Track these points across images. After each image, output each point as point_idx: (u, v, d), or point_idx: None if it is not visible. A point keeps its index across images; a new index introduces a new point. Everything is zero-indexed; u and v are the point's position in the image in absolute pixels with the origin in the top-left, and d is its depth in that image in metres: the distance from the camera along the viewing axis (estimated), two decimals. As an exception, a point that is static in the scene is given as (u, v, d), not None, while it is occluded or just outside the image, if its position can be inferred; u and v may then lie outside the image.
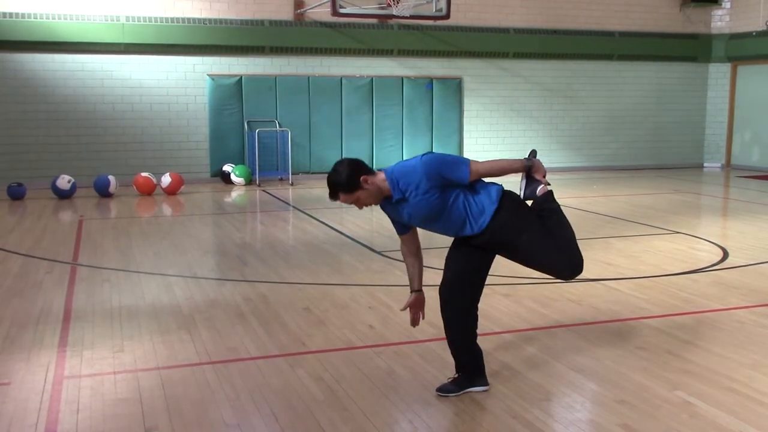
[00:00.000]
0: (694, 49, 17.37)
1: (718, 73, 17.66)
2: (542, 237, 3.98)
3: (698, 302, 5.97)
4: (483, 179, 3.98)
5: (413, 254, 4.21)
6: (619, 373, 4.43)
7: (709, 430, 3.68)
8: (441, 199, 3.86)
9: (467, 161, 3.89)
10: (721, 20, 17.44)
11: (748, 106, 17.19)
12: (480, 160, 3.98)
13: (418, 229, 4.18)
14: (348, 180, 3.81)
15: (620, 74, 17.00)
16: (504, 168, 3.98)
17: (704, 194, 13.67)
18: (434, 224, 4.01)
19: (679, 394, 4.13)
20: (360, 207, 3.93)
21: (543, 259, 4.02)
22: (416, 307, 4.29)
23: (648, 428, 3.70)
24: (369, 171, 3.87)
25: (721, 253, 7.81)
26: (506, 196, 3.98)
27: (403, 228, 4.11)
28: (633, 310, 5.71)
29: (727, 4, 17.24)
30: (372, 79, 15.21)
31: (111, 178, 12.43)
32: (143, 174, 12.78)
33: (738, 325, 5.42)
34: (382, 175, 3.87)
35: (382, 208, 4.04)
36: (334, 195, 3.90)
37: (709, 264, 7.31)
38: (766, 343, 5.00)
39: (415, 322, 4.31)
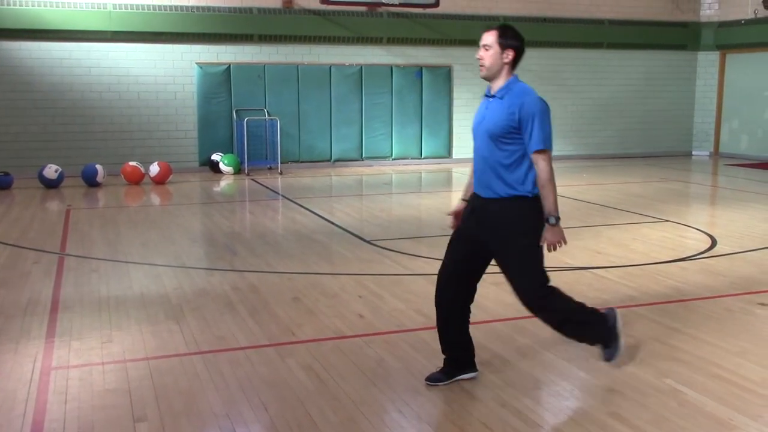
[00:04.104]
0: (683, 37, 17.39)
1: (706, 61, 17.70)
2: (534, 255, 3.98)
3: (687, 290, 5.99)
4: (535, 172, 3.90)
5: None
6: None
7: (698, 418, 3.70)
8: (505, 129, 3.87)
9: (547, 148, 3.86)
10: (710, 8, 17.46)
11: (737, 94, 17.24)
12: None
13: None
14: (513, 37, 3.93)
15: (609, 62, 17.00)
16: (551, 192, 3.88)
17: (693, 182, 13.72)
18: (484, 149, 4.02)
19: (668, 382, 4.14)
20: (481, 65, 3.96)
21: (519, 270, 4.02)
22: (459, 214, 4.28)
23: (637, 416, 3.71)
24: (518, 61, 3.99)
25: (709, 241, 7.84)
26: (540, 204, 3.92)
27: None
28: (622, 299, 5.72)
29: (716, -7, 17.27)
30: (361, 67, 15.15)
31: (99, 167, 12.35)
32: (131, 163, 12.70)
33: (726, 312, 5.44)
34: (512, 75, 3.98)
35: (479, 107, 4.15)
36: (491, 30, 3.96)
37: (698, 252, 7.34)
38: (753, 331, 5.03)
39: (454, 227, 4.28)
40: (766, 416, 3.72)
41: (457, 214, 4.27)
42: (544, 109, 3.88)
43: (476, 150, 4.10)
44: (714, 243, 7.76)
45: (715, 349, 4.65)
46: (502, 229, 3.97)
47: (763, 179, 13.59)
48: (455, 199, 12.75)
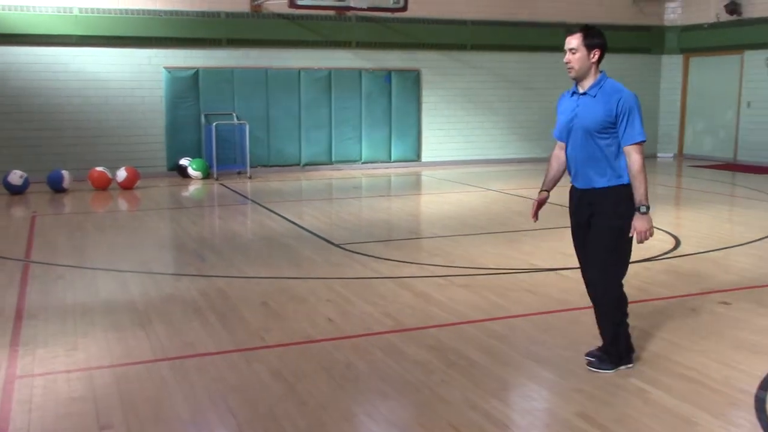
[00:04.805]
0: (647, 41, 17.65)
1: (670, 64, 17.97)
2: (622, 238, 4.19)
3: (651, 290, 6.08)
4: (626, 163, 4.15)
5: (560, 162, 4.54)
6: (574, 362, 4.49)
7: (662, 416, 3.76)
8: (604, 124, 4.12)
9: (644, 140, 4.12)
10: (673, 12, 17.73)
11: (700, 96, 17.53)
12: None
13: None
14: (597, 36, 4.16)
15: (576, 66, 17.16)
16: (643, 182, 4.10)
17: (658, 184, 13.90)
18: (580, 143, 4.23)
19: (633, 381, 4.20)
20: (570, 68, 4.19)
21: (604, 252, 4.23)
22: (541, 204, 4.62)
23: (603, 415, 3.76)
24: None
25: (673, 242, 7.96)
26: (631, 191, 4.15)
27: (563, 134, 4.40)
28: (587, 299, 5.74)
29: (679, -3, 17.55)
30: (330, 71, 15.15)
31: (65, 172, 12.19)
32: (98, 168, 12.56)
33: (689, 312, 5.53)
34: (599, 72, 4.21)
35: (559, 104, 4.42)
36: (576, 32, 4.18)
37: (662, 252, 7.44)
38: (716, 330, 5.12)
39: (535, 217, 4.67)
40: (729, 414, 3.79)
41: (539, 204, 4.61)
42: (638, 104, 4.18)
43: (570, 145, 4.32)
44: (678, 243, 7.88)
45: (678, 349, 4.73)
46: (600, 209, 4.21)
47: (726, 180, 13.84)
48: (425, 201, 12.84)
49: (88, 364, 4.50)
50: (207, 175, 13.84)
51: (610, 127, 4.14)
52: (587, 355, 4.45)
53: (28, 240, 8.30)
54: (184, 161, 13.95)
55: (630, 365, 4.38)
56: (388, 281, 6.44)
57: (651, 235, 4.15)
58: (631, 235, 4.15)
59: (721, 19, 16.44)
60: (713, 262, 7.18)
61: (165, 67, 14.02)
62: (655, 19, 17.71)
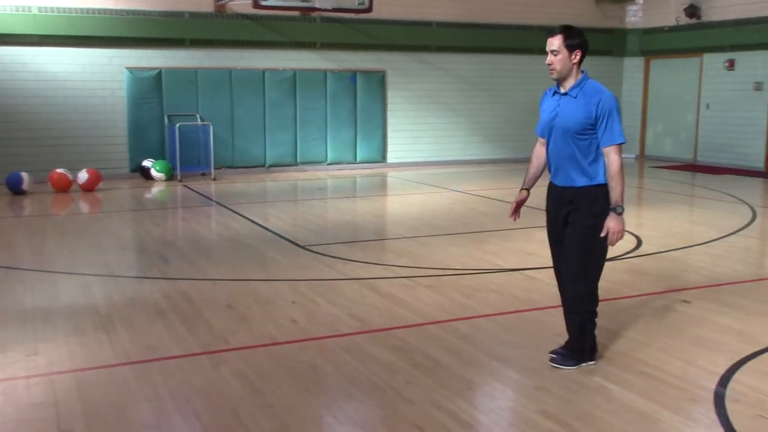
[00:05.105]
0: (609, 43, 17.88)
1: (632, 66, 18.24)
2: (596, 237, 4.22)
3: (614, 289, 6.16)
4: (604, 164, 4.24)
5: (540, 159, 4.59)
6: (538, 361, 4.54)
7: (624, 413, 3.81)
8: (583, 126, 4.18)
9: (623, 141, 4.22)
10: (635, 15, 18.00)
11: (661, 98, 17.81)
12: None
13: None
14: (577, 36, 4.21)
15: (540, 68, 17.18)
16: (620, 183, 4.19)
17: (620, 184, 14.10)
18: (560, 144, 4.29)
19: (596, 379, 4.26)
20: (552, 69, 4.23)
21: (579, 250, 4.28)
22: (521, 204, 4.65)
23: (566, 413, 3.81)
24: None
25: (635, 242, 8.07)
26: (608, 192, 4.23)
27: (545, 131, 4.43)
28: (551, 298, 5.83)
29: (640, 0, 17.80)
30: (295, 72, 15.10)
31: (24, 174, 11.96)
32: (58, 170, 12.35)
33: (650, 310, 5.62)
34: (581, 73, 4.27)
35: (542, 101, 4.45)
36: (556, 33, 4.23)
37: (624, 252, 7.54)
38: (676, 327, 5.21)
39: (514, 215, 4.69)
40: (688, 409, 3.86)
41: (519, 203, 4.64)
42: (618, 106, 4.21)
43: (551, 142, 4.35)
44: (640, 243, 8.00)
45: (640, 346, 4.80)
46: (577, 206, 4.26)
47: (686, 181, 14.08)
48: (390, 202, 12.82)
49: (49, 369, 4.43)
50: (170, 177, 13.70)
51: (590, 128, 4.19)
52: (551, 352, 4.49)
53: (-14, 243, 8.14)
54: (146, 163, 13.79)
55: (592, 362, 4.44)
56: (354, 282, 6.44)
57: (622, 237, 4.21)
58: (603, 234, 4.19)
59: (681, 23, 16.72)
60: (674, 261, 7.30)
61: (127, 68, 13.85)
62: (617, 22, 17.96)
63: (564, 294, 4.47)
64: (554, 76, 4.27)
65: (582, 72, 4.28)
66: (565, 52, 4.20)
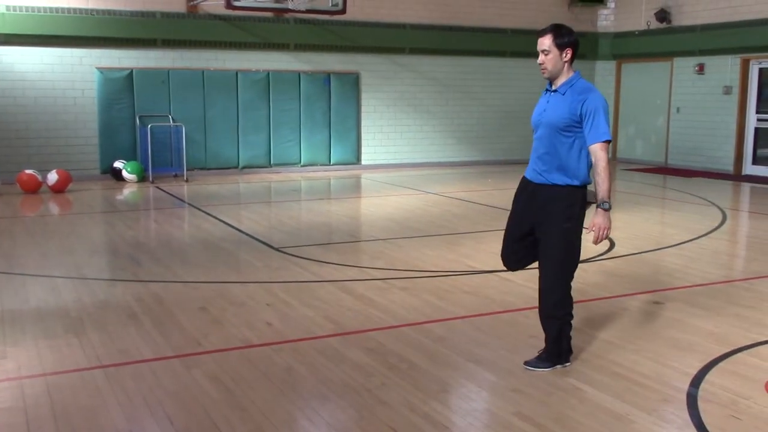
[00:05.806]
0: (582, 46, 17.76)
1: (604, 70, 18.41)
2: (571, 239, 4.26)
3: (587, 291, 6.20)
4: (587, 164, 4.24)
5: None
6: (512, 362, 4.55)
7: (597, 414, 3.83)
8: (568, 122, 4.18)
9: (609, 139, 4.17)
10: (606, 19, 18.17)
11: (632, 101, 18.00)
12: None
13: None
14: (567, 35, 4.24)
15: (513, 70, 17.44)
16: (607, 179, 4.16)
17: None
18: (545, 140, 4.29)
19: (570, 380, 4.28)
20: (543, 68, 4.27)
21: (557, 253, 4.30)
22: None
23: (540, 414, 3.82)
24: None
25: (607, 244, 8.14)
26: (584, 194, 4.26)
27: (536, 127, 4.45)
28: (526, 300, 5.87)
29: (611, 4, 17.97)
30: (269, 73, 15.03)
31: (-8, 175, 11.79)
32: (27, 171, 12.17)
33: (623, 311, 5.67)
34: (573, 71, 4.30)
35: (540, 99, 4.48)
36: (546, 33, 4.27)
37: (597, 254, 7.60)
38: (648, 328, 5.25)
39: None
40: (661, 410, 3.89)
41: None
42: (605, 105, 4.20)
43: (537, 139, 4.37)
44: (612, 245, 8.06)
45: (613, 348, 4.84)
46: (552, 209, 4.24)
47: (657, 183, 14.24)
48: (364, 204, 12.82)
49: (18, 374, 4.35)
50: (142, 178, 13.56)
51: (575, 126, 4.19)
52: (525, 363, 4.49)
53: (-47, 245, 7.99)
54: (118, 164, 13.63)
55: (567, 364, 4.46)
56: (328, 284, 6.41)
57: (608, 234, 4.23)
58: (589, 231, 4.19)
59: (652, 27, 16.92)
60: (645, 262, 7.37)
61: (98, 68, 13.69)
62: (589, 26, 18.12)
63: (542, 301, 4.46)
64: (546, 75, 4.30)
65: (575, 71, 4.30)
66: (555, 51, 4.22)
